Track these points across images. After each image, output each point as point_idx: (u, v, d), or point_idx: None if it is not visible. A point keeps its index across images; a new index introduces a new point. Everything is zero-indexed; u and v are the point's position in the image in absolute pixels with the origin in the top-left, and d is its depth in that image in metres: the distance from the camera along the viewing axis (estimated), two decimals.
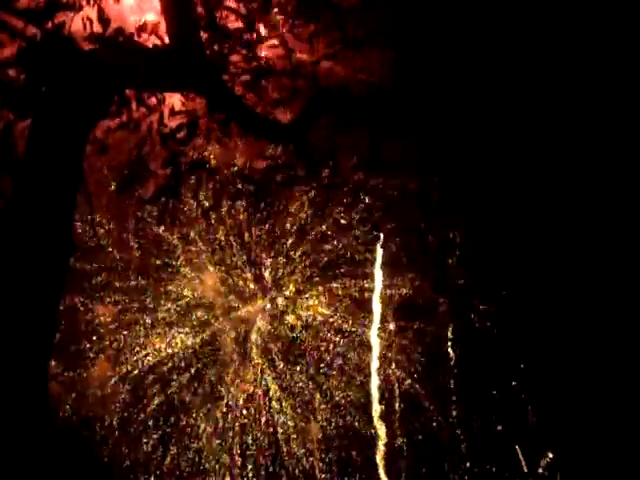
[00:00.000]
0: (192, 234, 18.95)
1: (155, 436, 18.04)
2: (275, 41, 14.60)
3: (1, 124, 13.15)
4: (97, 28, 12.62)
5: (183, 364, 18.52)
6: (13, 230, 12.11)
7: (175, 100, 14.71)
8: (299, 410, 18.45)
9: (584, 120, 15.56)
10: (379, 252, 17.74)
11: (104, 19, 12.62)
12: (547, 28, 14.87)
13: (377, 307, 18.04)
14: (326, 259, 18.82)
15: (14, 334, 11.07)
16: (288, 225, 18.70)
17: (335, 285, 18.89)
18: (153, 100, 14.42)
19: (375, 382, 18.10)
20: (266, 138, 15.95)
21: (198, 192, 18.00)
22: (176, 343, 18.45)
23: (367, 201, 17.89)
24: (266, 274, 18.86)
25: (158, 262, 19.07)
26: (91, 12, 12.50)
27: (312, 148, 15.85)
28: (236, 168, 17.28)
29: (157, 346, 18.31)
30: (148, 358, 18.42)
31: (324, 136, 15.66)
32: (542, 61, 15.17)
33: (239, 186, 17.69)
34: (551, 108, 15.53)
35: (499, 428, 17.83)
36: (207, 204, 18.37)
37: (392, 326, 18.26)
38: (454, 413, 17.79)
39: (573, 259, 16.49)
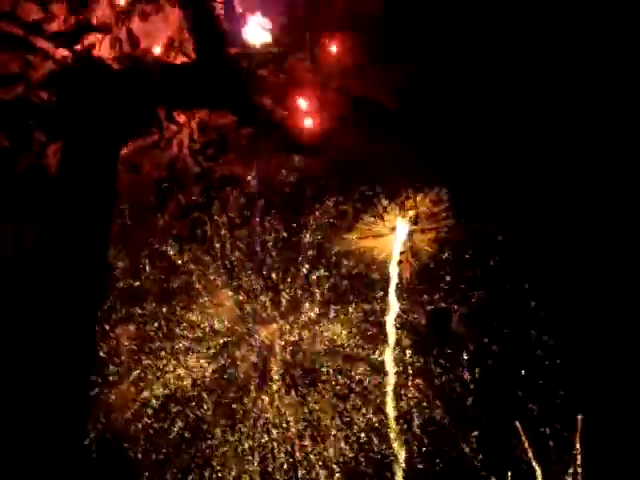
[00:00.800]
0: (221, 250, 18.90)
1: (178, 460, 18.06)
2: (303, 55, 14.60)
3: (35, 145, 13.32)
4: (126, 48, 12.75)
5: (206, 386, 18.48)
6: (50, 250, 12.25)
7: (205, 116, 14.77)
8: (318, 433, 18.30)
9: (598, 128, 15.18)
10: (394, 273, 17.60)
11: (133, 39, 12.75)
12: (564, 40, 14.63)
13: (392, 330, 17.96)
14: (351, 279, 18.64)
15: (58, 352, 11.20)
16: (317, 239, 18.57)
17: (365, 305, 18.76)
18: (183, 117, 14.52)
19: (392, 405, 17.94)
20: (295, 151, 15.95)
21: (228, 206, 18.01)
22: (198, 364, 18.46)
23: (397, 213, 17.70)
24: (294, 293, 18.76)
25: (187, 278, 19.07)
26: (120, 33, 12.63)
27: (342, 160, 15.79)
28: (266, 181, 17.24)
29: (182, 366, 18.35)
30: (171, 380, 18.46)
31: (353, 148, 15.58)
32: (565, 80, 14.89)
33: (269, 199, 17.65)
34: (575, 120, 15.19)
35: (518, 450, 17.52)
36: (238, 218, 18.35)
37: (408, 349, 18.13)
38: (472, 435, 17.54)
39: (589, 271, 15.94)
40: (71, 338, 11.58)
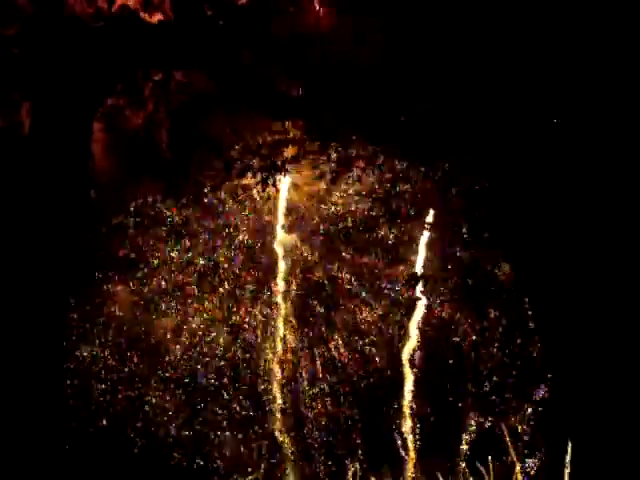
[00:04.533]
0: (198, 213, 18.64)
1: None
2: (283, 16, 14.37)
3: (7, 103, 13.06)
4: (102, 4, 12.45)
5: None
6: (22, 210, 12.12)
7: (182, 76, 14.54)
8: None
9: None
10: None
11: None
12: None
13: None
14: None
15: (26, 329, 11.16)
16: (296, 202, 18.42)
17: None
18: (160, 76, 14.28)
19: None
20: (274, 113, 15.80)
21: (205, 168, 17.82)
22: None
23: (376, 176, 17.60)
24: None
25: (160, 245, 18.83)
26: None
27: (321, 122, 15.66)
28: (244, 143, 17.04)
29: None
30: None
31: (333, 110, 15.45)
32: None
33: (247, 162, 17.46)
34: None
35: None
36: (214, 181, 18.16)
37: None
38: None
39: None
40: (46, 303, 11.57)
